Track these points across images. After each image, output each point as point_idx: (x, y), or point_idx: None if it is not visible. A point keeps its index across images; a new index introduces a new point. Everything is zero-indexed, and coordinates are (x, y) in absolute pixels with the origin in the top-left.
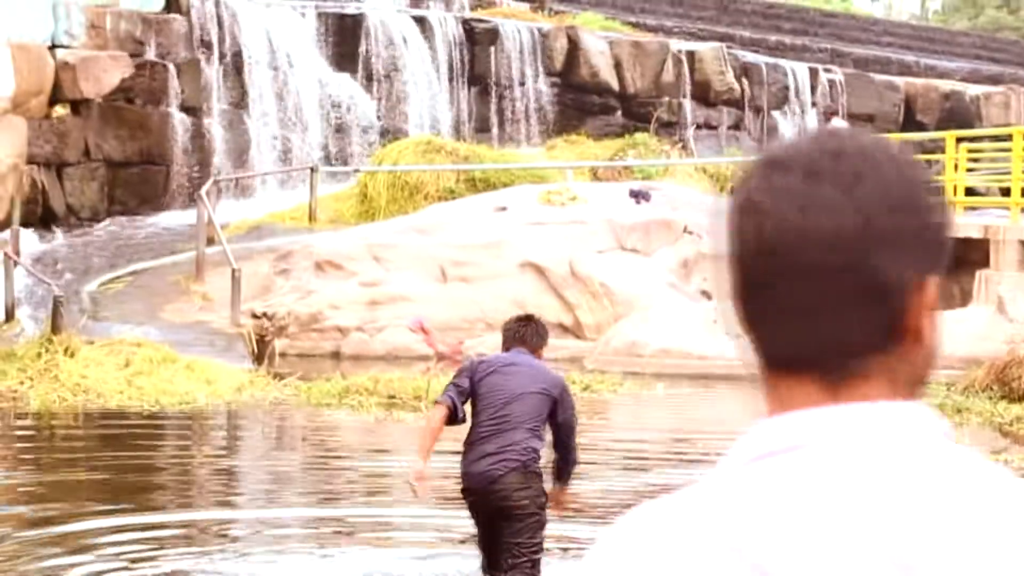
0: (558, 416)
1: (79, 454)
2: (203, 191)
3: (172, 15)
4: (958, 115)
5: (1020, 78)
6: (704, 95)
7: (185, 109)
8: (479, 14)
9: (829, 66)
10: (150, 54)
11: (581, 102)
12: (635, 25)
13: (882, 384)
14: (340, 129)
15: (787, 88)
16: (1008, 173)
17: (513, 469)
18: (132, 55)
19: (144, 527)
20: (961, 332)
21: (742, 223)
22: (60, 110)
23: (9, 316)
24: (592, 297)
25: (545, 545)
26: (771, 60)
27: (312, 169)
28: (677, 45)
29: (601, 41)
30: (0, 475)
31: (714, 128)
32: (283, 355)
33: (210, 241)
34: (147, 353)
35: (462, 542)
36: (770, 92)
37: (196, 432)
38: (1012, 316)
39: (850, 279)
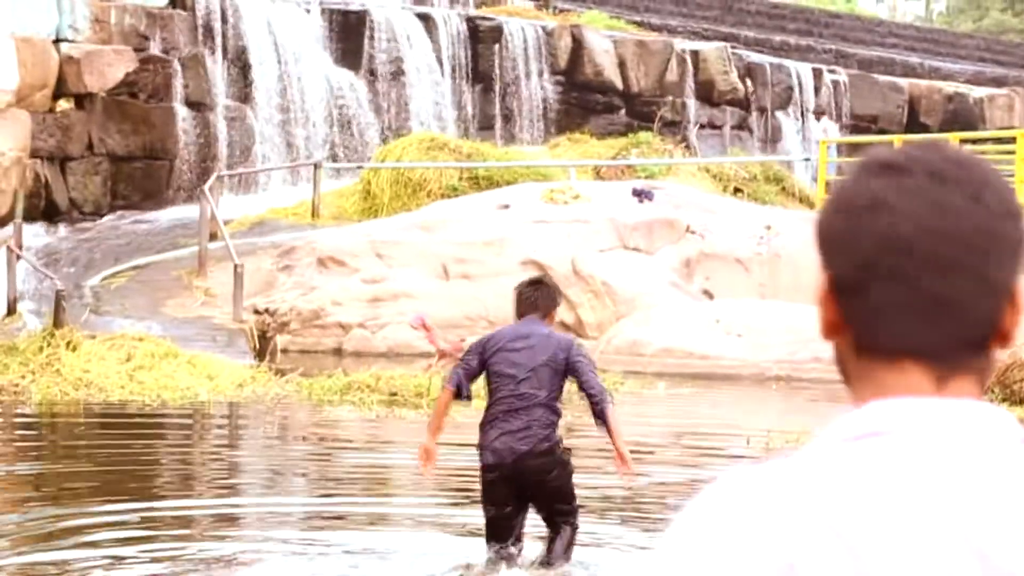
0: (580, 381)
1: (80, 447)
2: (206, 186)
3: (176, 10)
4: (962, 117)
5: (1023, 80)
6: (708, 95)
7: (189, 104)
8: (483, 12)
9: (833, 67)
10: (154, 49)
11: (585, 101)
12: (639, 24)
13: (976, 381)
14: (344, 125)
15: (791, 88)
16: (1011, 175)
17: (537, 444)
18: (136, 49)
19: (142, 517)
20: None
21: (871, 221)
22: (64, 104)
23: (11, 310)
24: (594, 296)
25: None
26: (775, 60)
27: (315, 165)
28: (681, 44)
29: (605, 40)
30: (1, 467)
31: (718, 128)
32: (285, 351)
33: (213, 236)
34: (149, 348)
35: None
36: (774, 92)
37: (197, 427)
38: None
39: (974, 278)
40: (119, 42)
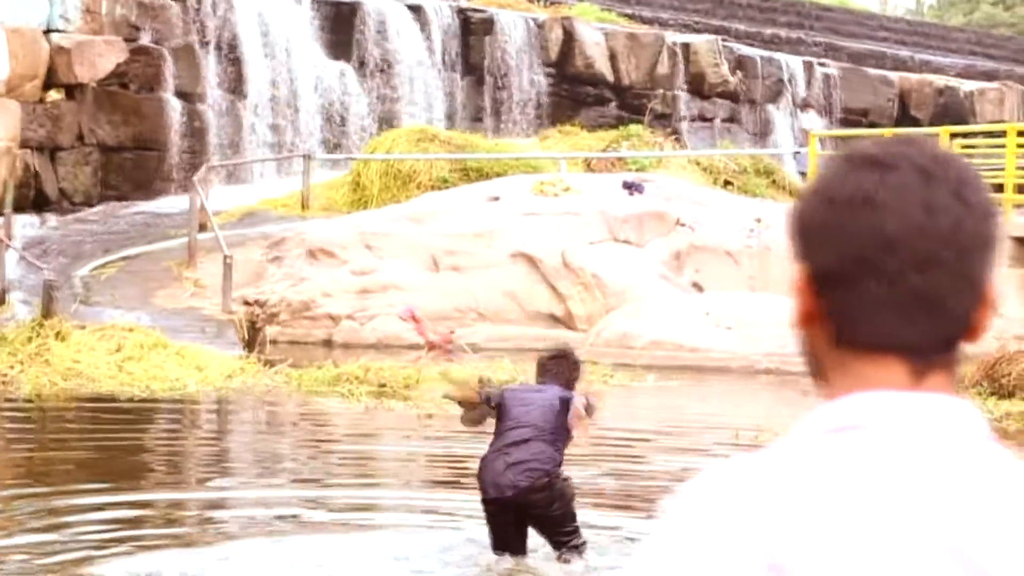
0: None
1: (69, 436)
2: (196, 177)
3: (168, 1)
4: (952, 111)
5: (1014, 74)
6: (699, 87)
7: (179, 95)
8: (475, 4)
9: (824, 60)
10: (145, 39)
11: (575, 93)
12: (631, 17)
13: (949, 375)
14: (334, 117)
15: (782, 81)
16: (1002, 169)
17: (537, 479)
18: (127, 40)
19: (130, 505)
20: None
21: (858, 217)
22: (54, 94)
23: (1, 300)
24: (584, 288)
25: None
26: (766, 53)
27: (306, 156)
28: (672, 37)
29: (596, 32)
30: None
31: (708, 120)
32: (274, 342)
33: (203, 227)
34: (138, 338)
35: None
36: (765, 85)
37: (186, 417)
38: (1003, 312)
39: (955, 275)
40: (110, 32)
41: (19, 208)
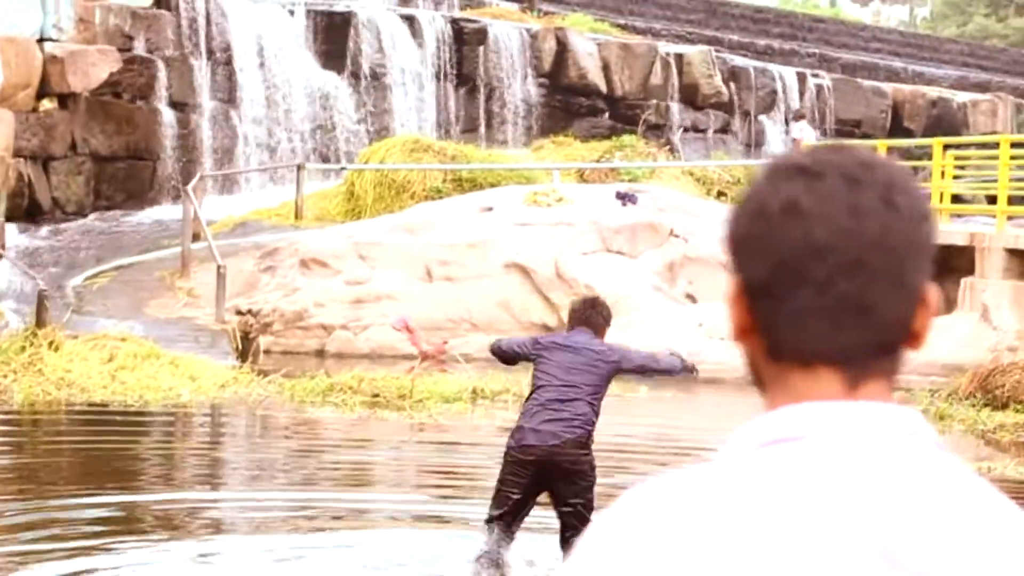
0: (632, 366)
1: (62, 444)
2: (189, 187)
3: (161, 10)
4: (945, 122)
5: (1007, 86)
6: (692, 98)
7: (173, 105)
8: (468, 14)
9: (817, 71)
10: (139, 49)
11: (569, 103)
12: (624, 27)
13: (886, 383)
14: (327, 127)
15: (775, 92)
16: (994, 181)
17: (578, 435)
18: (120, 50)
19: (120, 507)
20: (945, 339)
21: (785, 226)
22: (47, 104)
23: None
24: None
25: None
26: (759, 64)
27: (299, 166)
28: (665, 48)
29: (589, 43)
30: None
31: (701, 131)
32: (267, 352)
33: (196, 237)
34: (131, 348)
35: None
36: (758, 96)
37: (179, 426)
38: (996, 324)
39: (889, 281)
40: (103, 42)
41: (12, 217)
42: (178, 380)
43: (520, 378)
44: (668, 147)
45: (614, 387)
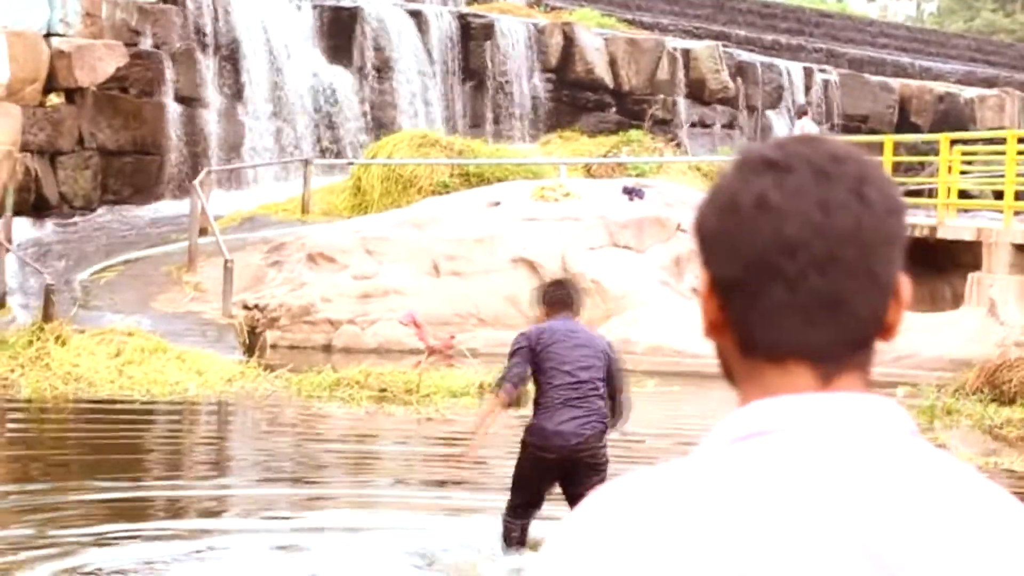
0: (614, 393)
1: (68, 437)
2: (196, 181)
3: (168, 5)
4: (952, 117)
5: (1014, 81)
6: (699, 93)
7: (180, 99)
8: (475, 9)
9: (824, 66)
10: (146, 44)
11: (576, 99)
12: (631, 22)
13: (860, 376)
14: (334, 122)
15: (782, 88)
16: (1001, 176)
17: (598, 431)
18: (127, 44)
19: (128, 500)
20: (952, 334)
21: (756, 222)
22: (54, 98)
23: (1, 304)
24: (584, 293)
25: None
26: (766, 59)
27: (306, 161)
28: (672, 43)
29: (597, 38)
30: None
31: (708, 126)
32: (274, 347)
33: (203, 232)
34: (138, 343)
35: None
36: (765, 91)
37: (186, 420)
38: (1003, 319)
39: (861, 275)
40: (110, 37)
41: (19, 212)
42: (185, 374)
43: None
44: (675, 142)
45: None
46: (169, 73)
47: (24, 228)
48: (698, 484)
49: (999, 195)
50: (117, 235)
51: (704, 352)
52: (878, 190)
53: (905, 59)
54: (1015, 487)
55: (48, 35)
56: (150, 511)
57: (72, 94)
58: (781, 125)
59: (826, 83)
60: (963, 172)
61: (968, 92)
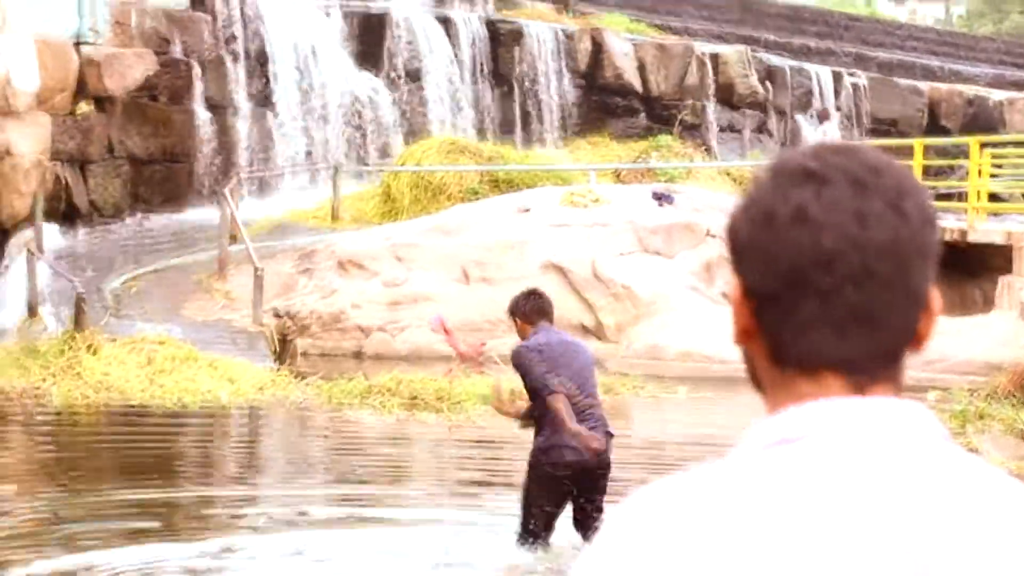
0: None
1: (102, 445)
2: (226, 189)
3: (197, 12)
4: (981, 120)
5: None
6: (728, 98)
7: (209, 106)
8: (503, 15)
9: (853, 70)
10: (175, 51)
11: (605, 104)
12: (660, 27)
13: (892, 387)
14: (364, 128)
15: (811, 92)
16: None
17: (608, 444)
18: (157, 52)
19: (161, 501)
20: (983, 338)
21: (793, 233)
22: (84, 106)
23: (32, 312)
24: (614, 299)
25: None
26: (795, 63)
27: (335, 168)
28: (701, 47)
29: (625, 43)
30: (21, 459)
31: (737, 131)
32: (305, 354)
33: (233, 239)
34: (169, 351)
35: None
36: (794, 95)
37: (217, 427)
38: None
39: (896, 288)
40: (139, 44)
41: (49, 220)
42: (216, 382)
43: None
44: (704, 147)
45: (651, 388)
46: (198, 80)
47: (54, 236)
48: (733, 489)
49: None
50: (147, 243)
51: (734, 358)
52: (915, 202)
53: (934, 62)
54: None
55: (78, 44)
56: (182, 515)
57: (102, 102)
58: (810, 129)
59: (855, 87)
60: (993, 175)
61: (997, 95)
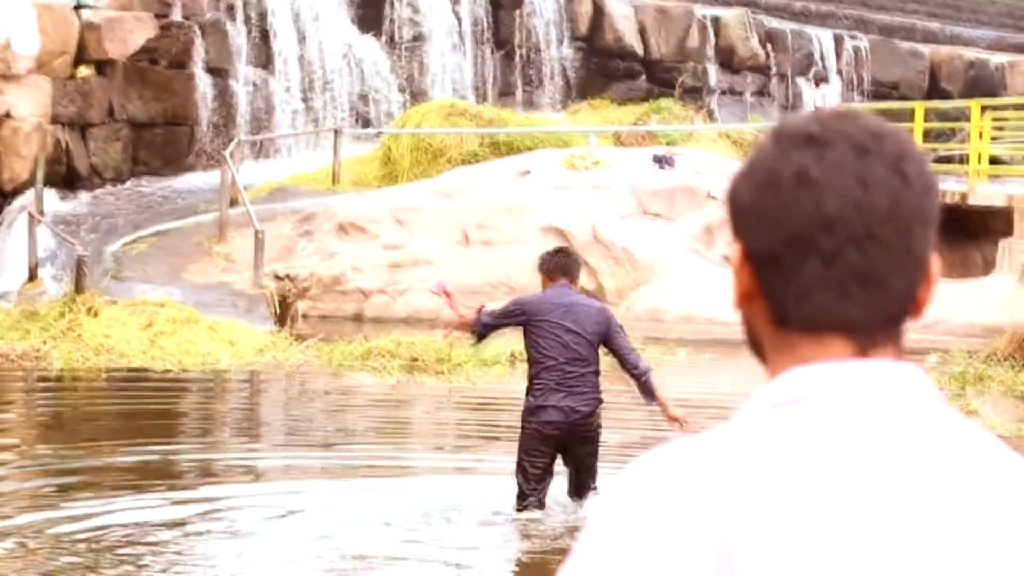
0: (621, 358)
1: (101, 404)
2: (227, 152)
3: None
4: (982, 83)
5: None
6: (728, 61)
7: (209, 70)
8: None
9: (854, 33)
10: (175, 15)
11: (605, 67)
12: None
13: (894, 352)
14: (364, 92)
15: (811, 55)
16: None
17: (596, 406)
18: (157, 16)
19: (160, 459)
20: (983, 301)
21: (795, 196)
22: (84, 70)
23: (32, 276)
24: (615, 262)
25: None
26: (796, 26)
27: (336, 131)
28: (702, 11)
29: (626, 6)
30: (21, 419)
31: (738, 94)
32: (305, 317)
33: (233, 202)
34: (170, 313)
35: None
36: (795, 59)
37: (218, 390)
38: None
39: (897, 252)
40: (140, 8)
41: (50, 184)
42: (217, 345)
43: None
44: (705, 110)
45: (652, 351)
46: (199, 44)
47: (55, 200)
48: (739, 452)
49: None
50: (148, 206)
51: (735, 320)
52: (916, 168)
53: (935, 25)
54: None
55: (78, 7)
56: (181, 474)
57: (102, 66)
58: (811, 92)
59: (856, 50)
60: (994, 138)
61: (998, 58)
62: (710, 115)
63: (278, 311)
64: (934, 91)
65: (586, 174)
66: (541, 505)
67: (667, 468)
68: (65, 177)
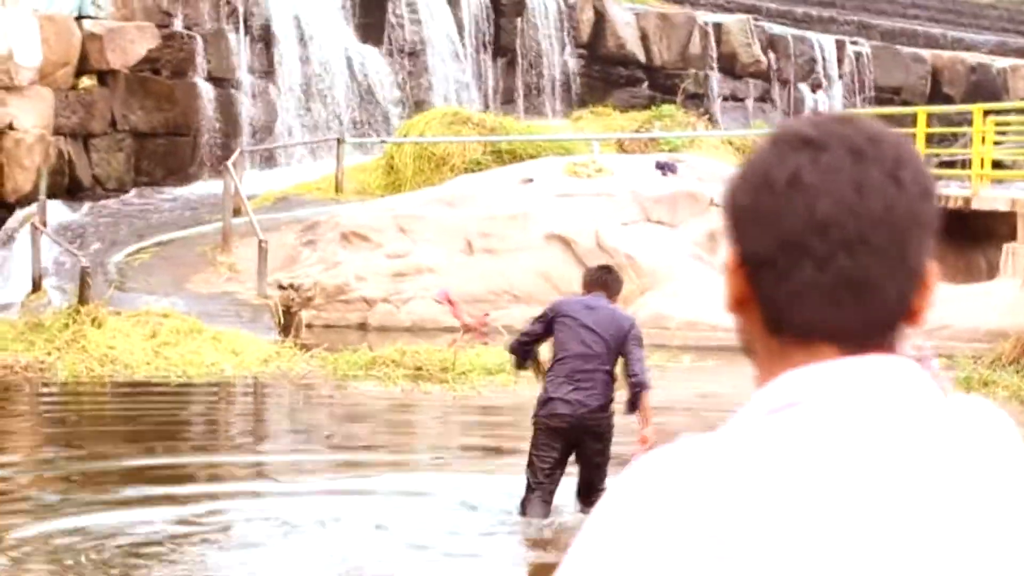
0: (624, 348)
1: (106, 414)
2: (229, 162)
3: None
4: (984, 88)
5: None
6: (731, 67)
7: (211, 80)
8: None
9: (856, 38)
10: (177, 25)
11: (607, 74)
12: None
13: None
14: (366, 100)
15: (814, 60)
16: None
17: (603, 402)
18: (159, 26)
19: (168, 467)
20: (987, 305)
21: (788, 198)
22: (86, 81)
23: (36, 287)
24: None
25: None
26: (798, 32)
27: (339, 140)
28: (704, 17)
29: (628, 13)
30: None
31: (740, 100)
32: (309, 326)
33: (236, 212)
34: (174, 324)
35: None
36: (797, 64)
37: (222, 400)
38: None
39: (890, 258)
40: (141, 18)
41: (53, 195)
42: (221, 355)
43: None
44: (707, 116)
45: (656, 357)
46: (201, 54)
47: (58, 211)
48: (736, 455)
49: None
50: (151, 217)
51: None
52: (913, 173)
53: (937, 30)
54: None
55: (79, 18)
56: (185, 479)
57: (104, 76)
58: (813, 98)
59: (858, 55)
60: (996, 142)
61: (1000, 62)
62: (712, 121)
63: (282, 321)
64: (936, 96)
65: (589, 181)
66: (547, 502)
67: (667, 469)
68: (68, 188)
